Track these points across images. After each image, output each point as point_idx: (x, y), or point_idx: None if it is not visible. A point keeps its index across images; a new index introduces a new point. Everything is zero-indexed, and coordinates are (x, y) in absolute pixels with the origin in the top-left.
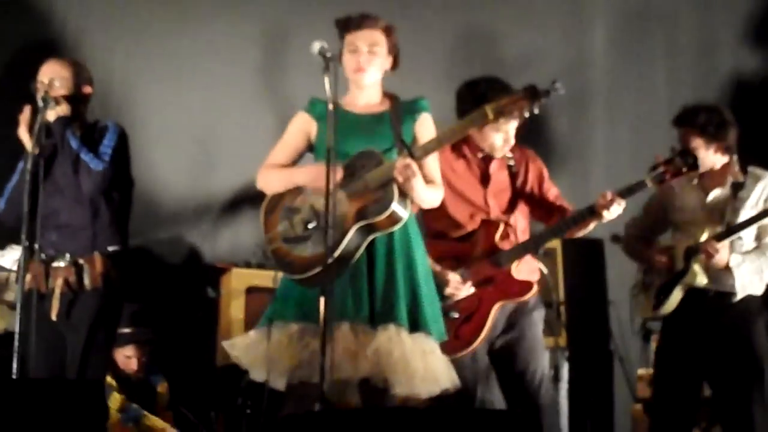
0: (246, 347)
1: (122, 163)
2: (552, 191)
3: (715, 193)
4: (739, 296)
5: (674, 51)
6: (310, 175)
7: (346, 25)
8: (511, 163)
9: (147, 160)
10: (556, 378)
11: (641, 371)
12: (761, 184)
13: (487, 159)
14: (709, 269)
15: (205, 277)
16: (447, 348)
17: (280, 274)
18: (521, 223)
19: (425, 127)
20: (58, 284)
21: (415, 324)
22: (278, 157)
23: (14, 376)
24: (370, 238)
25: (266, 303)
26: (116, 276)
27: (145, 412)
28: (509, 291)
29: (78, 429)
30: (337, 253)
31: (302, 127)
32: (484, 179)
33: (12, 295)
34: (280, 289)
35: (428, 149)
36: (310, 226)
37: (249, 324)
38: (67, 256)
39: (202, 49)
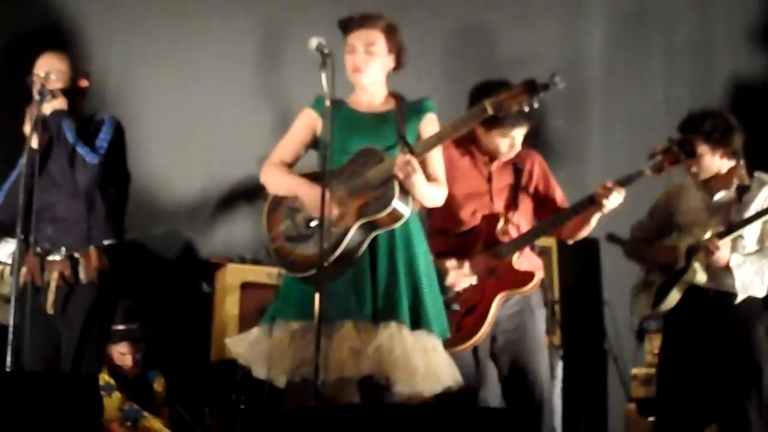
0: (248, 345)
1: (118, 156)
2: (557, 192)
3: (720, 195)
4: (740, 297)
5: (671, 50)
6: (310, 196)
7: (348, 25)
8: (516, 163)
9: (143, 154)
10: (550, 377)
11: (635, 370)
12: (766, 188)
13: (492, 158)
14: (709, 267)
15: (199, 273)
16: (449, 341)
17: (275, 270)
18: (523, 223)
19: (430, 127)
20: (53, 278)
21: (417, 321)
22: (283, 152)
23: (9, 369)
24: (372, 235)
25: (261, 299)
26: (111, 270)
27: (145, 413)
28: (511, 281)
29: (72, 422)
30: (338, 251)
31: (308, 123)
32: (489, 177)
33: (7, 288)
34: (282, 287)
35: (429, 145)
36: (312, 224)
37: (244, 319)
38: (63, 249)
39: (199, 43)
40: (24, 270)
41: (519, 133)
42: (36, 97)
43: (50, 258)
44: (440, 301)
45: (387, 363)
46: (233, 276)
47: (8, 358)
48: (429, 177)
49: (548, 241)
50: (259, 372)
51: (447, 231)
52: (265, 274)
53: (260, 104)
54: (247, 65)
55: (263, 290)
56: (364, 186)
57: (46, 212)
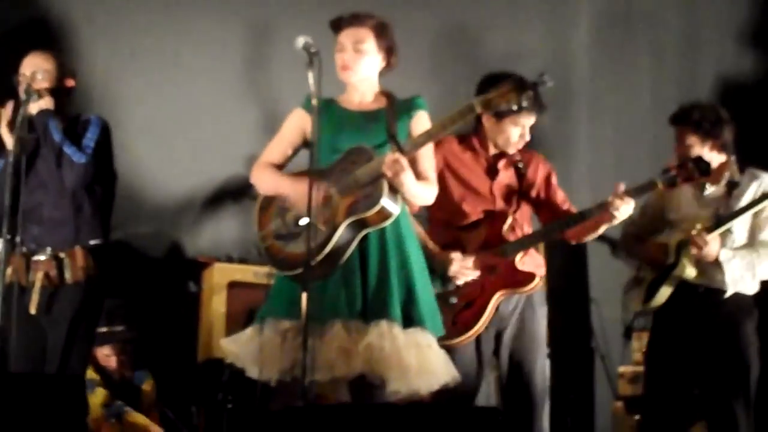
0: (241, 344)
1: (105, 156)
2: (559, 194)
3: (710, 191)
4: (730, 292)
5: (658, 49)
6: (296, 192)
7: (338, 24)
8: (520, 163)
9: (129, 154)
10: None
11: (622, 369)
12: (756, 183)
13: (497, 155)
14: (698, 262)
15: (186, 272)
16: (445, 334)
17: (263, 269)
18: (523, 224)
19: (421, 125)
20: (38, 278)
21: (410, 319)
22: (273, 153)
23: None
24: (362, 234)
25: (248, 298)
26: (97, 270)
27: (128, 408)
28: (512, 280)
29: (58, 424)
30: (327, 250)
31: (298, 123)
32: (491, 172)
33: None
34: (274, 286)
35: (418, 143)
36: (302, 222)
37: (231, 319)
38: (48, 249)
39: (186, 42)
40: (9, 270)
41: (529, 123)
42: (22, 96)
43: (35, 258)
44: (434, 299)
45: (378, 361)
46: (220, 275)
47: None
48: (419, 175)
49: None
50: (253, 372)
51: (448, 223)
52: (253, 273)
53: (247, 103)
54: (234, 64)
55: (250, 289)
56: (353, 184)
57: (33, 212)
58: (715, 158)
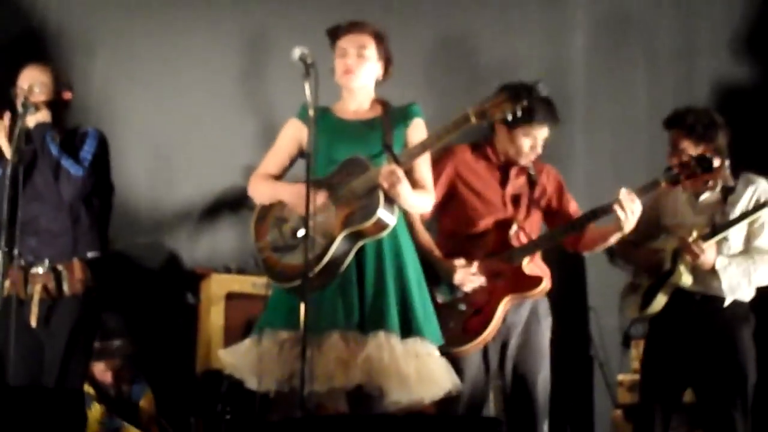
0: (239, 355)
1: (102, 168)
2: (571, 204)
3: (705, 197)
4: (728, 299)
5: (654, 57)
6: (293, 195)
7: (336, 31)
8: (531, 172)
9: (126, 166)
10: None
11: (621, 377)
12: (752, 188)
13: (508, 164)
14: (695, 270)
15: (184, 283)
16: (454, 341)
17: (261, 280)
18: (532, 232)
19: (417, 132)
20: (36, 290)
21: (408, 329)
22: (270, 164)
23: None
24: (358, 245)
25: (246, 309)
26: (95, 282)
27: (126, 424)
28: (519, 285)
29: None
30: (324, 261)
31: (293, 133)
32: (503, 181)
33: None
34: (271, 297)
35: (414, 154)
36: (299, 234)
37: (229, 330)
38: (46, 262)
39: (182, 54)
40: (7, 283)
41: (541, 135)
42: (19, 109)
43: (33, 270)
44: (431, 308)
45: (377, 372)
46: (218, 286)
47: None
48: (415, 184)
49: None
50: (252, 383)
51: (456, 233)
52: (250, 283)
53: (244, 114)
54: (231, 75)
55: (248, 300)
56: (349, 196)
57: (30, 225)
58: None
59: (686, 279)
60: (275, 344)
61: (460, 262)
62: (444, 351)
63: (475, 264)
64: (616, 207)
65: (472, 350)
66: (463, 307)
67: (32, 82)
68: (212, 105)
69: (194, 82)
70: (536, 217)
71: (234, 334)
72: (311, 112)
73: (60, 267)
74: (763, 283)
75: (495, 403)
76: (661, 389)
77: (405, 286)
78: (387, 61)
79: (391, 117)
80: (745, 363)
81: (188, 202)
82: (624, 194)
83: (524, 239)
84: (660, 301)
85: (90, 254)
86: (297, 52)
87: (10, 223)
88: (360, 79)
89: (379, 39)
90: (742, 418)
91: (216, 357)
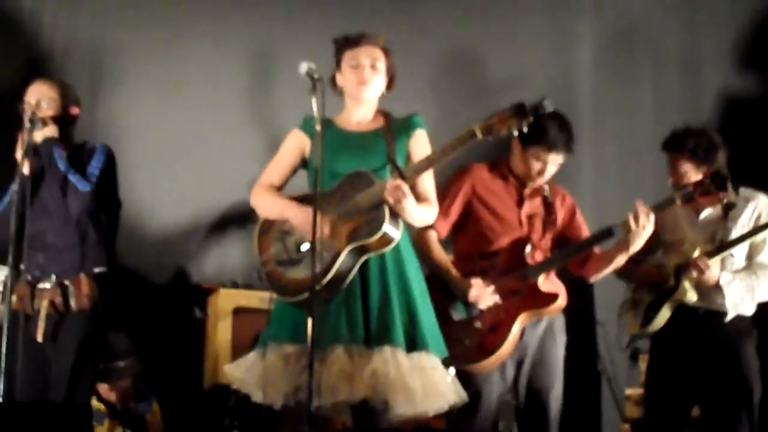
0: (244, 370)
1: (110, 184)
2: (583, 228)
3: (706, 213)
4: (731, 315)
5: (660, 71)
6: (299, 218)
7: (346, 42)
8: (546, 194)
9: (133, 181)
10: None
11: (629, 391)
12: (752, 204)
13: (524, 183)
14: (699, 286)
15: (191, 298)
16: (470, 358)
17: (268, 295)
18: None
19: (420, 143)
20: (43, 306)
21: (414, 343)
22: (272, 174)
23: (0, 399)
24: (363, 259)
25: (254, 323)
26: (102, 298)
27: None
28: (535, 302)
29: None
30: (329, 276)
31: (296, 144)
32: (520, 201)
33: None
34: (275, 311)
35: (419, 169)
36: (303, 248)
37: (237, 344)
38: (53, 277)
39: (188, 70)
40: (14, 298)
41: (553, 161)
42: (27, 124)
43: (40, 286)
44: (435, 322)
45: (383, 387)
46: (225, 301)
47: (0, 387)
48: (419, 197)
49: None
50: (258, 396)
51: (472, 253)
52: (258, 298)
53: (250, 129)
54: (237, 90)
55: (256, 315)
56: (354, 210)
57: (37, 240)
58: None
59: (691, 295)
60: (280, 358)
61: (476, 280)
62: (460, 368)
63: (491, 282)
64: (630, 218)
65: (488, 367)
66: (479, 324)
67: (40, 97)
68: (219, 120)
69: (201, 97)
70: (550, 236)
71: (241, 349)
72: (318, 128)
73: (67, 282)
74: (766, 299)
75: (504, 418)
76: (666, 405)
77: (409, 300)
78: (392, 74)
79: (393, 128)
80: (750, 377)
81: (195, 217)
82: (642, 208)
83: (539, 258)
84: (663, 317)
85: (97, 269)
86: (304, 66)
87: (17, 238)
88: (373, 90)
89: (387, 53)
90: None
91: (223, 372)
